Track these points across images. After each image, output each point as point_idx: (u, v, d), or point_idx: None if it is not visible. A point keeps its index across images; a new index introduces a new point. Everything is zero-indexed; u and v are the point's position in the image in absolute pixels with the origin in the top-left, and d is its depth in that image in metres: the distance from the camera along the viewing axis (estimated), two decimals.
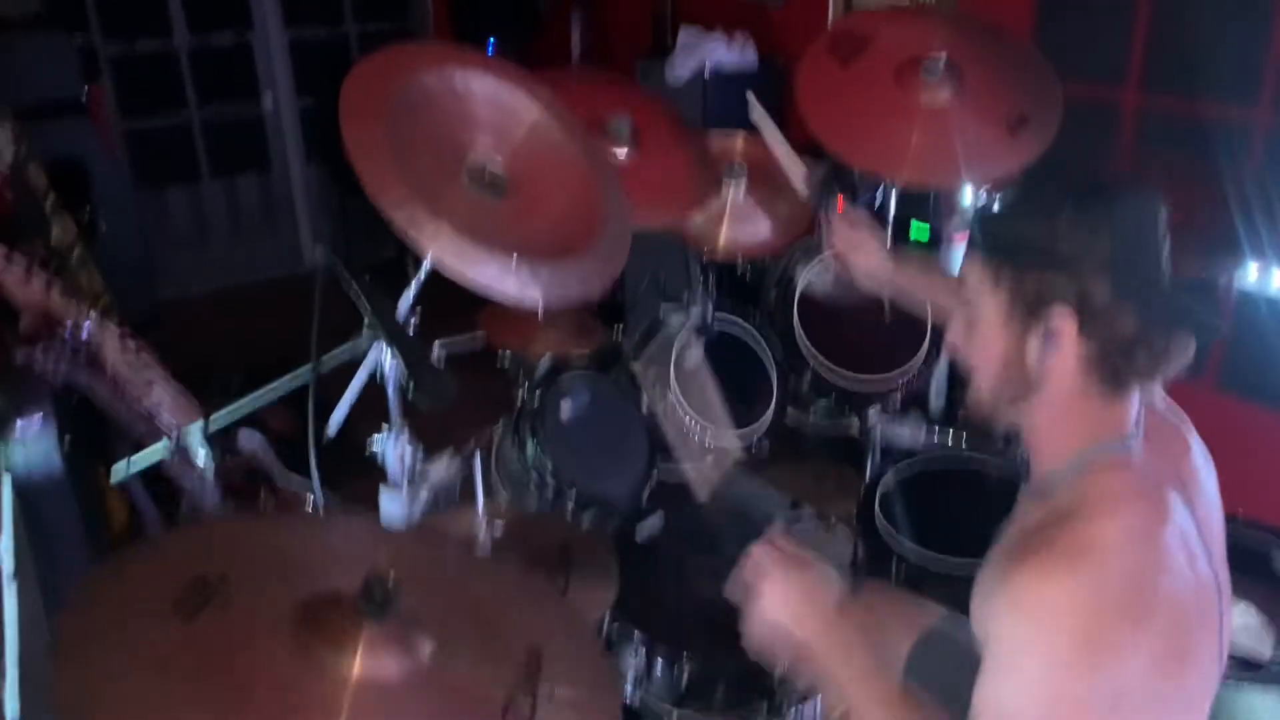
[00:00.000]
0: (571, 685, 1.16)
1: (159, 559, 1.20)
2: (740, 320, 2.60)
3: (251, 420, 2.68)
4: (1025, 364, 1.24)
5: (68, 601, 1.06)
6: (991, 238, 1.28)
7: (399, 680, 1.06)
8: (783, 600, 1.39)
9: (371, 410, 1.78)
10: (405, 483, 1.81)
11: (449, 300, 2.01)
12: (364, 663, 1.04)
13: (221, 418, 1.73)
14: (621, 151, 2.41)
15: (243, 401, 1.68)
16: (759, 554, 1.44)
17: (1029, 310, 1.22)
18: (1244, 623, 1.81)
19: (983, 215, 1.33)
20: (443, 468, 1.89)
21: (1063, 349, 1.21)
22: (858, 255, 2.05)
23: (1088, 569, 1.11)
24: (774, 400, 2.52)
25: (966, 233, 3.33)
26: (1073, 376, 1.23)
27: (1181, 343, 1.21)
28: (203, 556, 1.15)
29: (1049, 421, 1.29)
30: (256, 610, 1.08)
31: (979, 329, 1.30)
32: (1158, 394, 1.37)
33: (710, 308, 2.51)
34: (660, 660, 1.90)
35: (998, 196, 2.67)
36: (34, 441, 2.08)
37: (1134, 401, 1.26)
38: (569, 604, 1.38)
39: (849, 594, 1.44)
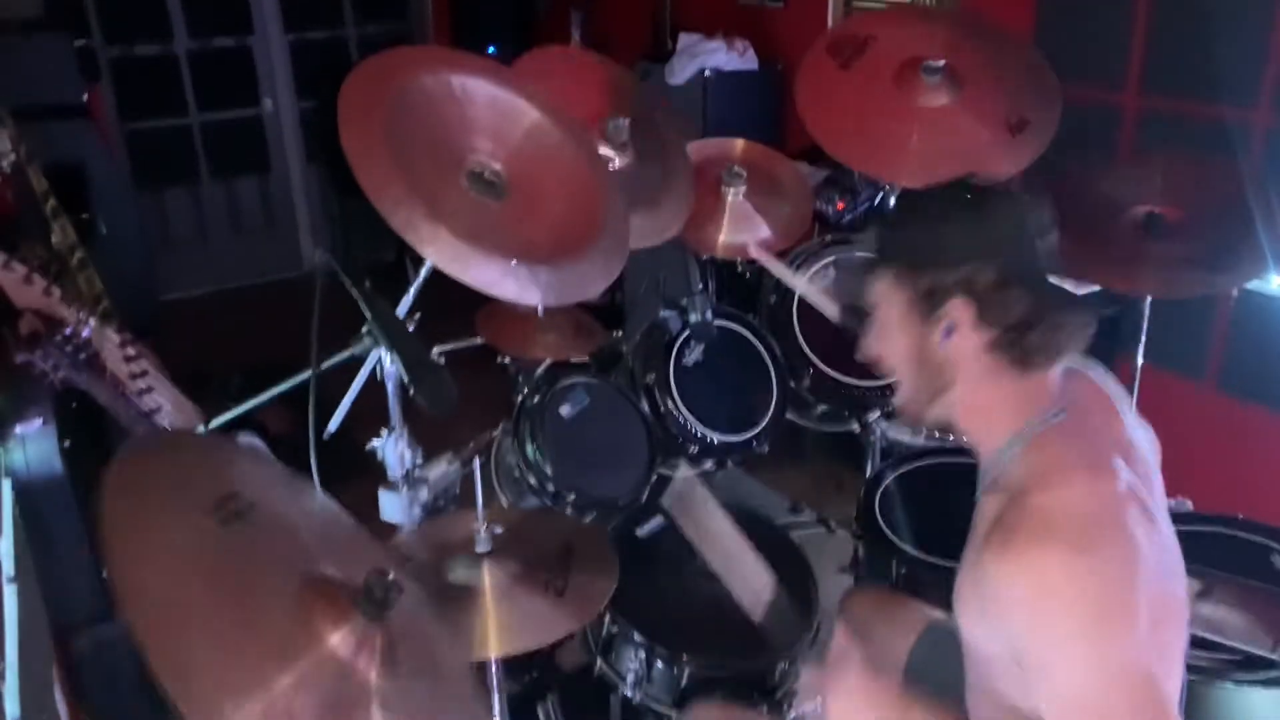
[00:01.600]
0: None
1: (203, 457, 1.29)
2: (740, 322, 2.60)
3: (250, 422, 2.69)
4: (933, 357, 1.33)
5: (122, 454, 1.13)
6: (887, 245, 1.40)
7: (355, 677, 1.11)
8: (850, 709, 1.43)
9: (371, 412, 1.78)
10: (404, 484, 1.81)
11: (449, 302, 2.01)
12: (341, 644, 1.10)
13: (221, 420, 1.74)
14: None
15: (243, 405, 1.68)
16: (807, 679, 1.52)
17: (927, 306, 1.31)
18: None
19: (878, 228, 1.43)
20: (442, 469, 1.90)
21: (964, 337, 1.30)
22: None
23: (1063, 540, 1.15)
24: (774, 402, 2.52)
25: None
26: (980, 361, 1.30)
27: (1077, 317, 1.30)
28: (239, 478, 1.22)
29: (974, 410, 1.35)
30: (273, 549, 1.16)
31: (884, 332, 1.38)
32: (1094, 368, 1.42)
33: (711, 310, 2.51)
34: (660, 660, 1.90)
35: (891, 202, 2.70)
36: (34, 443, 2.08)
37: (1052, 376, 1.32)
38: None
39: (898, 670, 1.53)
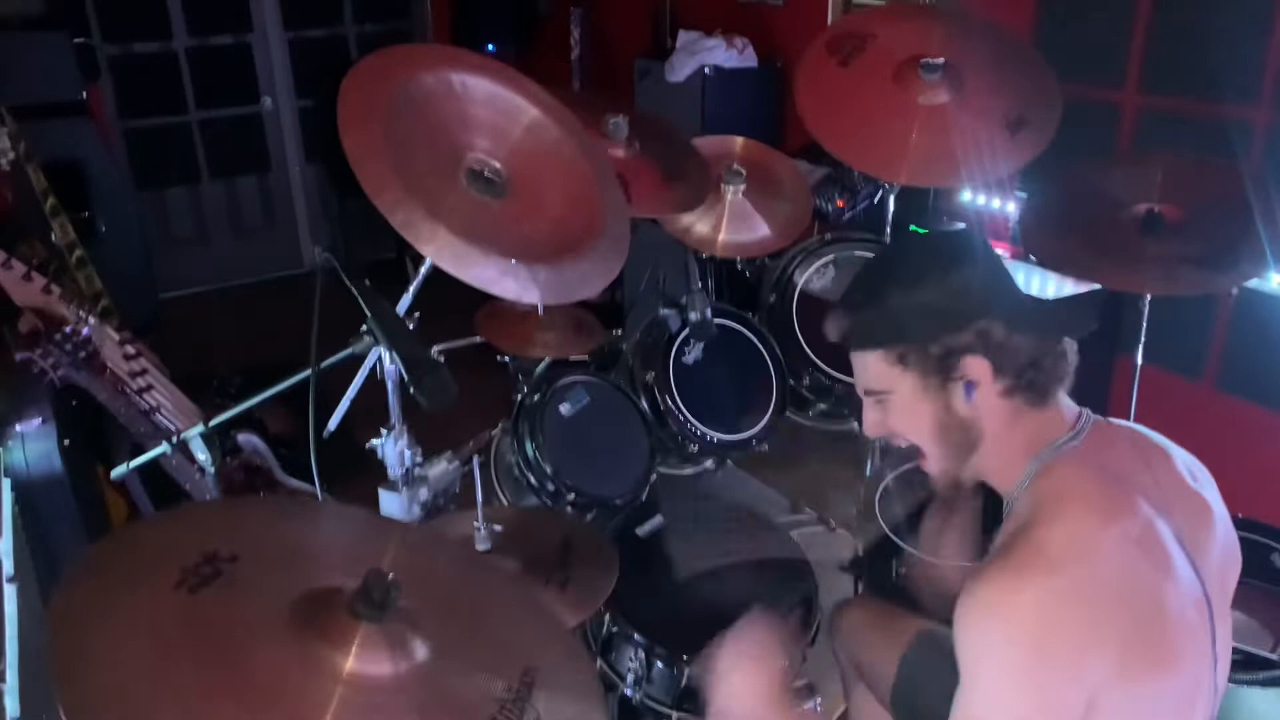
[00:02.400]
0: (561, 708, 1.17)
1: (169, 532, 1.21)
2: (740, 321, 2.60)
3: (250, 420, 2.70)
4: (959, 418, 1.32)
5: (74, 562, 1.06)
6: (873, 329, 1.34)
7: (390, 680, 1.06)
8: (731, 694, 1.42)
9: (371, 411, 1.78)
10: (404, 483, 1.81)
11: (448, 301, 2.01)
12: (357, 659, 1.05)
13: (221, 418, 1.73)
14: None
15: (243, 403, 1.68)
16: (726, 643, 1.45)
17: (942, 373, 1.29)
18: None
19: (850, 313, 1.37)
20: (442, 468, 1.89)
21: (984, 391, 1.29)
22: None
23: (1035, 578, 1.14)
24: (774, 401, 2.52)
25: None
26: (1002, 409, 1.30)
27: (1070, 346, 1.31)
28: (216, 534, 1.16)
29: (998, 453, 1.33)
30: (258, 593, 1.09)
31: (900, 411, 1.35)
32: (1119, 421, 1.39)
33: (710, 308, 2.51)
34: (659, 660, 1.90)
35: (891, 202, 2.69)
36: (34, 442, 2.08)
37: (1065, 404, 1.33)
38: (566, 628, 1.38)
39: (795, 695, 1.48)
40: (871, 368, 1.35)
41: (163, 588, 1.04)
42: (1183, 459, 1.37)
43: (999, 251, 1.32)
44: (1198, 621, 1.25)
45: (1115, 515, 1.20)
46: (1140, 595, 1.17)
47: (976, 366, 1.27)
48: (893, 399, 1.35)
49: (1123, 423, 1.40)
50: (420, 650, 1.11)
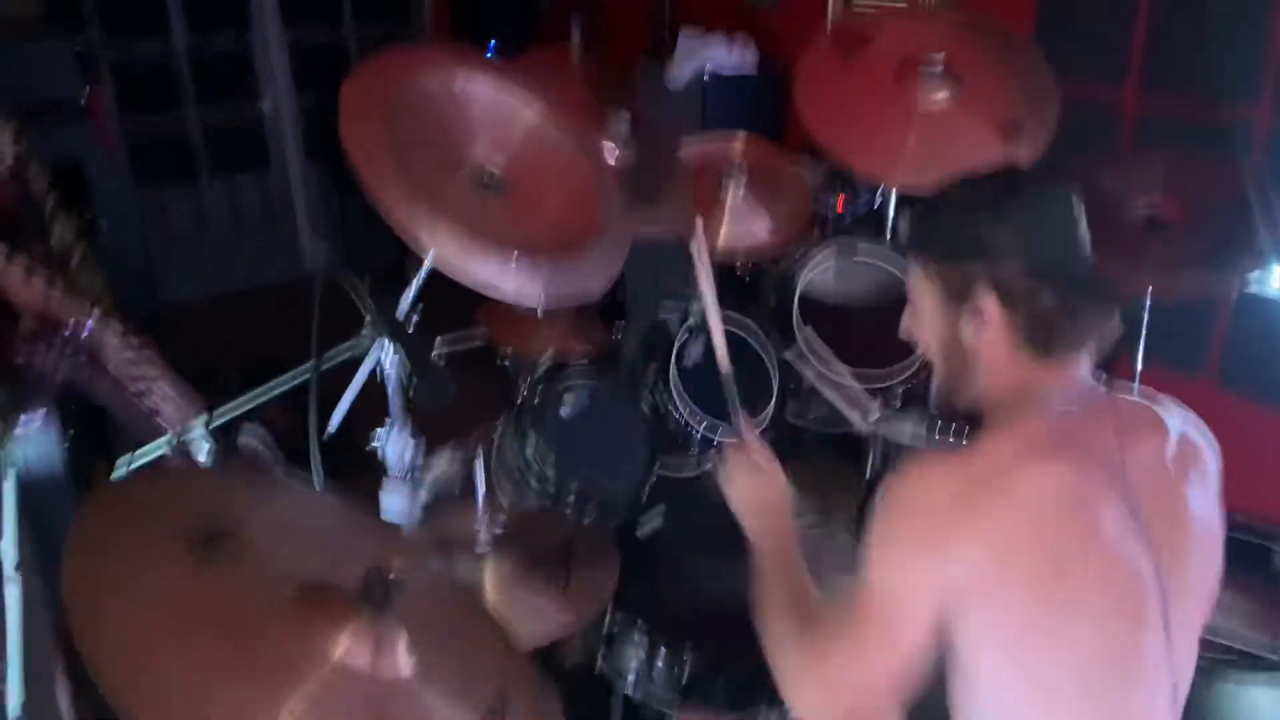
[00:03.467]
0: None
1: (181, 490, 1.25)
2: (740, 322, 2.60)
3: (252, 418, 2.69)
4: (960, 342, 1.38)
5: (81, 512, 1.07)
6: (921, 236, 1.48)
7: (370, 680, 1.07)
8: (740, 495, 1.62)
9: (372, 408, 1.78)
10: (406, 480, 1.81)
11: (449, 299, 2.01)
12: (346, 651, 1.06)
13: (223, 415, 1.74)
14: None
15: (244, 399, 1.68)
16: (736, 450, 1.65)
17: (956, 296, 1.36)
18: None
19: (913, 216, 1.48)
20: (443, 465, 1.90)
21: (990, 325, 1.34)
22: None
23: (958, 479, 1.25)
24: (774, 398, 2.52)
25: None
26: (1004, 347, 1.35)
27: (1103, 313, 1.35)
28: (221, 501, 1.19)
29: (991, 390, 1.39)
30: (263, 568, 1.11)
31: (920, 320, 1.45)
32: (1160, 396, 1.42)
33: None
34: (662, 656, 1.90)
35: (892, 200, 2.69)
36: (36, 439, 2.08)
37: (1073, 369, 1.35)
38: (523, 651, 1.40)
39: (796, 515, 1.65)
40: (911, 271, 1.45)
41: (173, 549, 1.06)
42: (1174, 446, 1.37)
43: (1077, 211, 1.34)
44: (1131, 595, 1.27)
45: (1054, 465, 1.25)
46: (1050, 543, 1.23)
47: (987, 302, 1.33)
48: (917, 306, 1.45)
49: (1144, 398, 1.41)
50: (403, 661, 1.11)
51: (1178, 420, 1.39)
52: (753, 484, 1.62)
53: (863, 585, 1.29)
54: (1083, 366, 1.36)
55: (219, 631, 1.02)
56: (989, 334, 1.34)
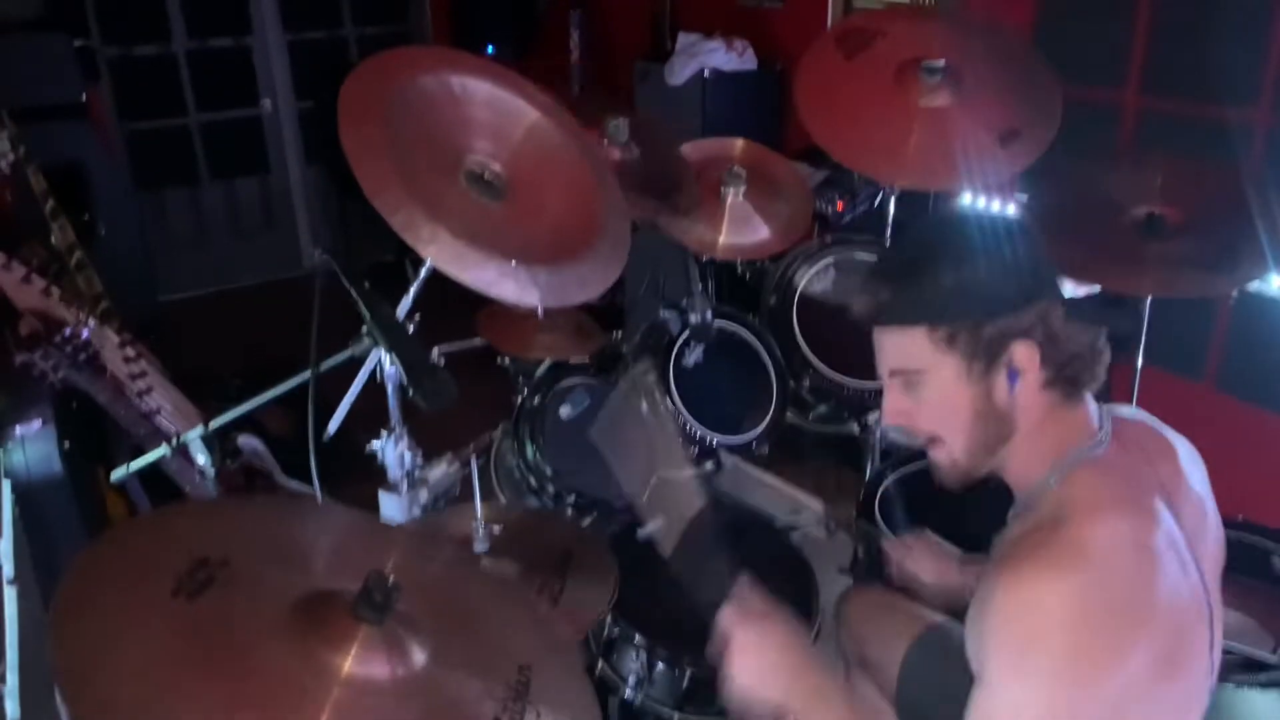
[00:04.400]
0: (556, 709, 1.16)
1: (162, 536, 1.19)
2: (740, 323, 2.60)
3: (250, 423, 2.69)
4: (996, 406, 1.25)
5: (68, 570, 1.04)
6: (920, 304, 1.25)
7: (389, 683, 1.06)
8: (753, 663, 1.35)
9: (371, 413, 1.78)
10: (404, 485, 1.81)
11: (448, 303, 2.01)
12: (356, 662, 1.04)
13: (221, 420, 1.73)
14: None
15: (243, 405, 1.68)
16: (726, 618, 1.39)
17: (989, 357, 1.23)
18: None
19: (884, 288, 1.28)
20: (442, 470, 1.90)
21: (1027, 381, 1.23)
22: (936, 577, 1.79)
23: (1079, 573, 1.10)
24: (774, 403, 2.52)
25: None
26: (1038, 401, 1.25)
27: (1104, 341, 1.26)
28: (205, 538, 1.15)
29: (1025, 450, 1.28)
30: (256, 597, 1.09)
31: (935, 394, 1.27)
32: (1126, 409, 1.38)
33: (710, 311, 2.51)
34: (661, 662, 1.90)
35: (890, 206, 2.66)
36: (34, 444, 2.08)
37: (1090, 405, 1.28)
38: (558, 627, 1.37)
39: (810, 641, 1.46)
40: (908, 346, 1.26)
41: (160, 596, 1.03)
42: (1185, 455, 1.35)
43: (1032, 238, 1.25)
44: (1202, 626, 1.24)
45: (1148, 521, 1.17)
46: (1171, 598, 1.15)
47: (1025, 353, 1.21)
48: (928, 381, 1.27)
49: (1131, 414, 1.37)
50: (418, 654, 1.10)
51: (1169, 430, 1.38)
52: (762, 661, 1.35)
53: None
54: (1091, 400, 1.29)
55: (221, 667, 0.99)
56: (1027, 388, 1.23)
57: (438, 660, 1.11)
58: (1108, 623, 1.09)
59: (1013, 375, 1.23)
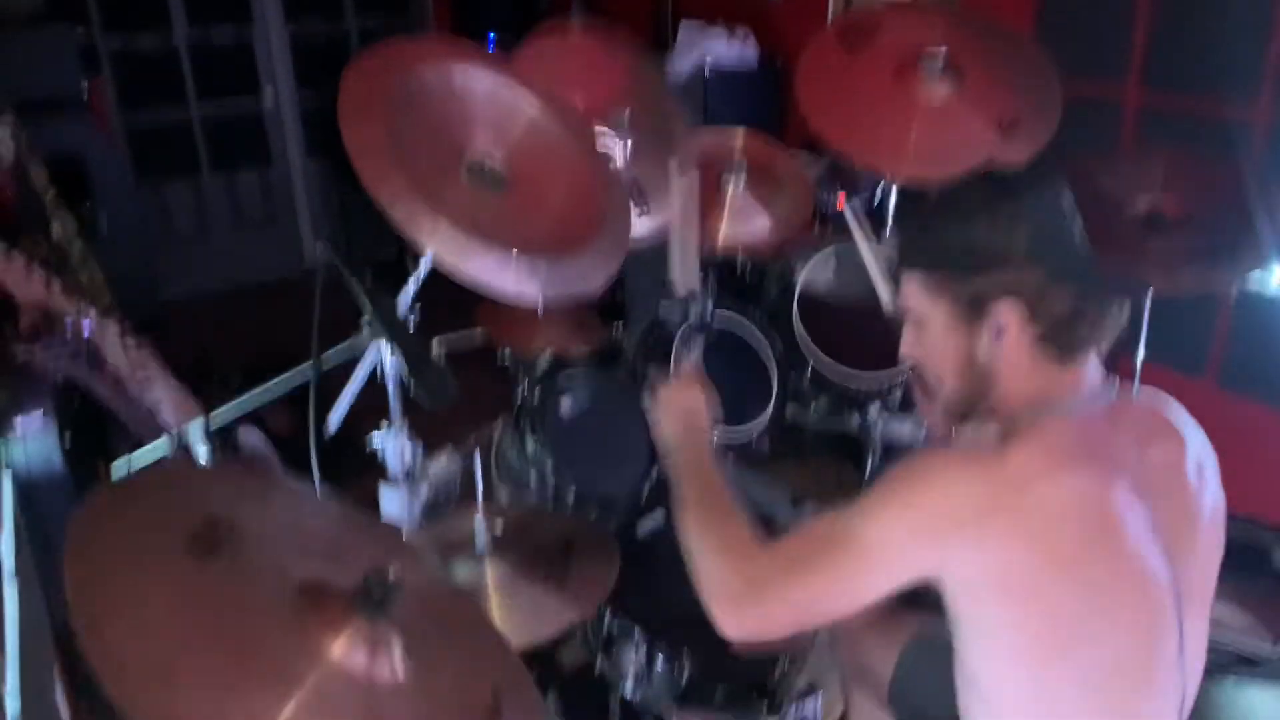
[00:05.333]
0: None
1: (172, 492, 1.21)
2: (740, 317, 2.59)
3: (251, 418, 2.69)
4: (981, 360, 1.31)
5: (81, 511, 1.05)
6: (919, 251, 1.36)
7: (367, 682, 1.07)
8: (664, 407, 1.66)
9: (372, 408, 1.78)
10: (405, 480, 1.81)
11: (449, 297, 2.01)
12: (343, 652, 1.06)
13: (222, 415, 1.73)
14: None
15: (243, 399, 1.68)
16: (680, 369, 1.74)
17: (973, 311, 1.29)
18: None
19: (904, 231, 1.42)
20: (443, 465, 1.90)
21: (1012, 337, 1.28)
22: None
23: (990, 479, 1.21)
24: (774, 397, 2.52)
25: None
26: (1024, 356, 1.29)
27: (1116, 307, 1.30)
28: (215, 498, 1.17)
29: (1008, 394, 1.33)
30: (263, 568, 1.10)
31: (931, 338, 1.36)
32: (1149, 390, 1.41)
33: (710, 305, 2.51)
34: (660, 658, 1.90)
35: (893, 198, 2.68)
36: (35, 439, 2.08)
37: (1087, 370, 1.31)
38: (511, 647, 1.40)
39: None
40: (911, 288, 1.36)
41: (172, 549, 1.05)
42: (1195, 452, 1.35)
43: (1070, 205, 1.28)
44: (1151, 601, 1.25)
45: (1092, 486, 1.22)
46: (1073, 552, 1.20)
47: (1008, 311, 1.27)
48: (926, 325, 1.36)
49: (1147, 397, 1.39)
50: (400, 661, 1.11)
51: (1185, 421, 1.38)
52: (680, 401, 1.66)
53: (841, 524, 1.27)
54: (1095, 367, 1.32)
55: (219, 631, 1.01)
56: (1009, 345, 1.29)
57: (415, 675, 1.12)
58: (989, 517, 1.19)
59: (998, 334, 1.28)
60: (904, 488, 1.25)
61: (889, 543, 1.24)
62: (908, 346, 1.41)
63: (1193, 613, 1.30)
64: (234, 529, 1.10)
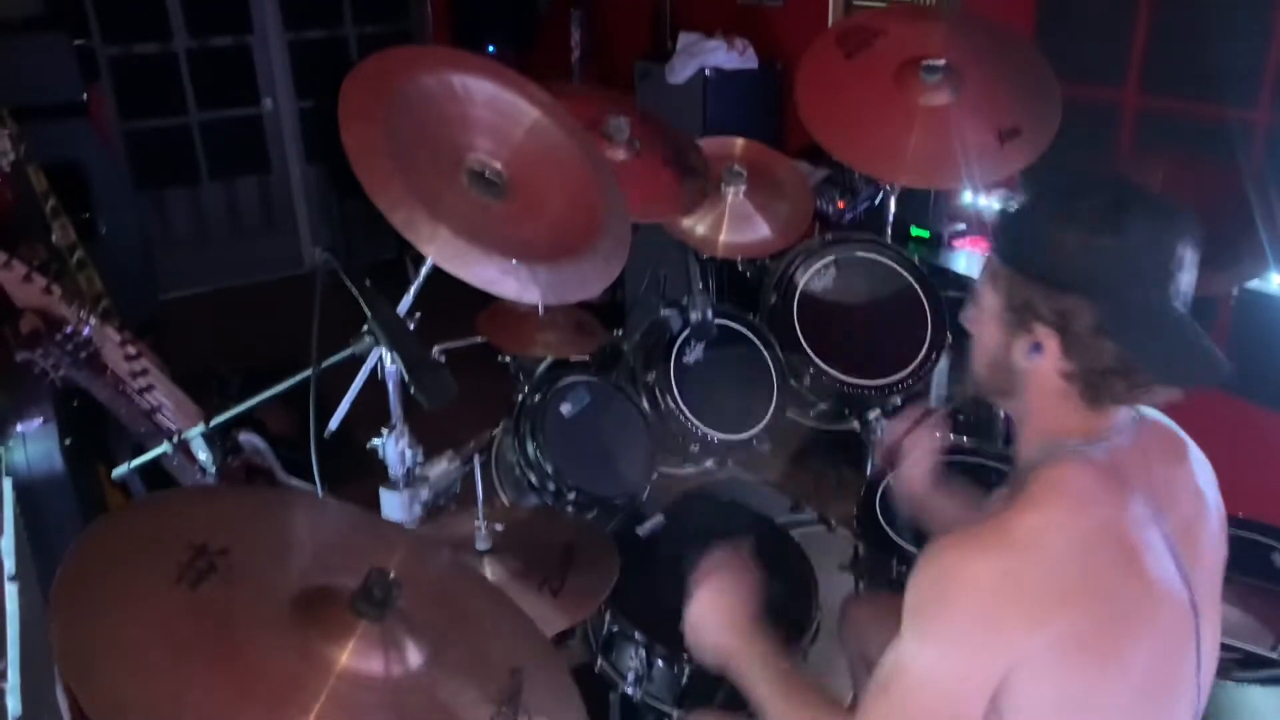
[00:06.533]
0: (548, 713, 1.20)
1: (162, 520, 1.19)
2: (741, 321, 2.60)
3: (251, 420, 2.70)
4: (1010, 362, 1.27)
5: (69, 553, 1.04)
6: (999, 234, 1.32)
7: (384, 680, 1.06)
8: (709, 611, 1.54)
9: (372, 411, 1.78)
10: (405, 482, 1.81)
11: (449, 301, 2.01)
12: (353, 657, 1.05)
13: (222, 418, 1.74)
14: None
15: (244, 403, 1.68)
16: (706, 563, 1.58)
17: (1017, 318, 1.25)
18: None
19: (1004, 211, 1.37)
20: (443, 468, 1.90)
21: (1046, 361, 1.23)
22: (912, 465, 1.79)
23: (998, 554, 1.16)
24: (774, 401, 2.52)
25: (965, 236, 3.33)
26: (1053, 384, 1.25)
27: (1178, 359, 1.21)
28: (206, 525, 1.15)
29: (1030, 413, 1.31)
30: (256, 587, 1.09)
31: (979, 318, 1.33)
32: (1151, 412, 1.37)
33: (711, 309, 2.51)
34: (660, 659, 1.90)
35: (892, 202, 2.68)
36: (35, 442, 2.08)
37: (1114, 415, 1.27)
38: (543, 632, 1.39)
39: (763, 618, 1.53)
40: (987, 263, 1.32)
41: (162, 583, 1.04)
42: (1196, 455, 1.35)
43: (1187, 253, 1.18)
44: (1173, 620, 1.24)
45: (1092, 508, 1.20)
46: (1102, 590, 1.17)
47: (1048, 338, 1.22)
48: (980, 304, 1.32)
49: (1156, 415, 1.36)
50: (415, 654, 1.11)
51: (1183, 433, 1.37)
52: (713, 615, 1.53)
53: (903, 672, 1.21)
54: (1123, 414, 1.28)
55: (222, 661, 1.00)
56: (1043, 367, 1.24)
57: (434, 660, 1.12)
58: (1011, 604, 1.15)
59: (1035, 347, 1.23)
60: (934, 610, 1.19)
61: (956, 671, 1.18)
62: (964, 312, 1.37)
63: (1206, 623, 1.29)
64: (224, 552, 1.09)
